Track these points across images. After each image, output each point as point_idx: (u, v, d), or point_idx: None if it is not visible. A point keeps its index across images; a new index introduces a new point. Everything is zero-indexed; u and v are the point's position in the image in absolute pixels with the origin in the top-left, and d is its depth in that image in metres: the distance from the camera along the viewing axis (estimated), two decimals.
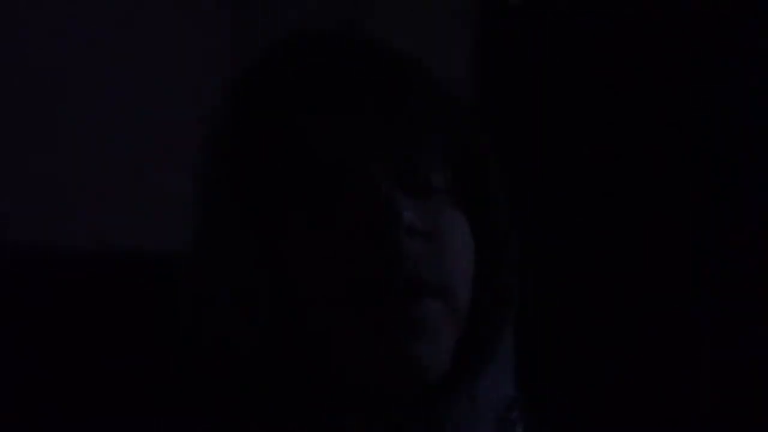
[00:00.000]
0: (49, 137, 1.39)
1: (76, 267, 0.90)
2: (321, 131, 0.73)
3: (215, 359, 0.74)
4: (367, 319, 0.71)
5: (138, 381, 0.82)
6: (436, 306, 0.72)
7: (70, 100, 1.40)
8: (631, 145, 1.66)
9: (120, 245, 0.92)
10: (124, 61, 1.44)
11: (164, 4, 1.46)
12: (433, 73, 0.78)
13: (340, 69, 0.75)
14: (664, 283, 1.64)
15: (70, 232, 1.31)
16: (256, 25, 1.49)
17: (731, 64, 1.63)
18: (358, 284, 0.71)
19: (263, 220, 0.74)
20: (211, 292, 0.74)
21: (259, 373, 0.73)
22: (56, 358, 0.85)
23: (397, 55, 0.77)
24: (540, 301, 1.63)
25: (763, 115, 1.62)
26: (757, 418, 1.58)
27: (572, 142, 1.68)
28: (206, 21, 1.49)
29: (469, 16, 1.71)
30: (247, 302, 0.73)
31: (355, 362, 0.72)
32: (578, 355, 1.67)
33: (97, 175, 1.39)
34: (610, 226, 1.67)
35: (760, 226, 1.61)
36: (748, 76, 1.62)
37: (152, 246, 0.89)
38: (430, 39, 1.61)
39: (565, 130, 1.68)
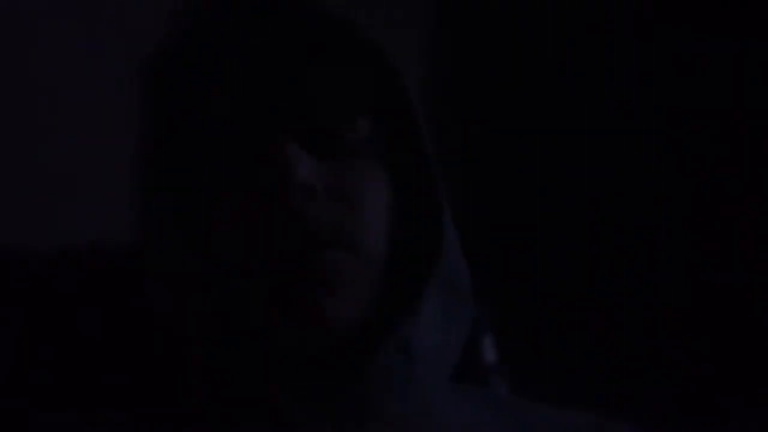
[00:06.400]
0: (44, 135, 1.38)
1: (60, 265, 0.91)
2: (231, 100, 0.75)
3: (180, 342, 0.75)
4: (275, 282, 0.72)
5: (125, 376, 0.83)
6: (339, 258, 0.73)
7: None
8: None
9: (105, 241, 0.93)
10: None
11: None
12: (358, 29, 0.78)
13: (249, 29, 0.76)
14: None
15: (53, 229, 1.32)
16: None
17: None
18: (265, 250, 0.72)
19: (192, 199, 0.75)
20: (155, 277, 0.76)
21: (209, 352, 0.74)
22: (44, 357, 0.87)
23: (317, 14, 0.77)
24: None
25: None
26: None
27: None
28: None
29: None
30: (184, 284, 0.74)
31: (273, 325, 0.73)
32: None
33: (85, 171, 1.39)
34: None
35: None
36: None
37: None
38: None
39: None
